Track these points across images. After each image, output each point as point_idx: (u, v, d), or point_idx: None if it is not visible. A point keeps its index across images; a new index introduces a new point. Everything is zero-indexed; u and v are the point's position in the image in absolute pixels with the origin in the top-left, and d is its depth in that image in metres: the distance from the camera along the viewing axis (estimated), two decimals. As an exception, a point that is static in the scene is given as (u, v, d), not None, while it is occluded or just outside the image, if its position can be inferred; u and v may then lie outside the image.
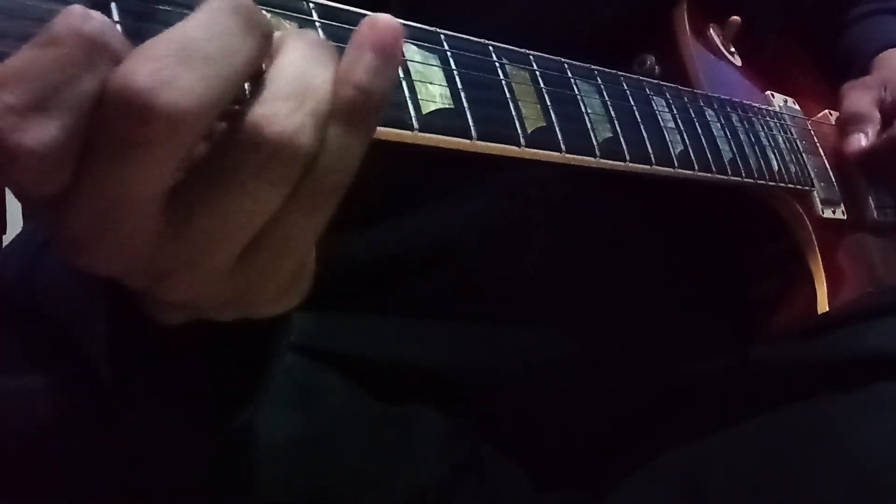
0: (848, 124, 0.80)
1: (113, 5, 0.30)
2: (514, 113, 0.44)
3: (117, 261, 0.32)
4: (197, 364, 0.41)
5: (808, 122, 0.78)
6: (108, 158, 0.29)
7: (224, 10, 0.30)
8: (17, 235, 0.57)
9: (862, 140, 0.78)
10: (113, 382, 0.41)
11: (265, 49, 0.32)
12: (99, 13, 0.28)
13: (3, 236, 1.21)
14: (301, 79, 0.32)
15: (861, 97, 0.81)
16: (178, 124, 0.28)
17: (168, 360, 0.41)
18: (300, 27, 0.36)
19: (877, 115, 0.79)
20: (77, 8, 0.28)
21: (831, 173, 0.77)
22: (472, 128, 0.41)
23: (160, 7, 0.31)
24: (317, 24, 0.36)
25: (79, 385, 0.46)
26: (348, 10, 0.38)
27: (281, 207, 0.32)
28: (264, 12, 0.34)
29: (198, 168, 0.31)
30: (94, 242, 0.31)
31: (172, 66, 0.28)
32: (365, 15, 0.39)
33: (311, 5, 0.36)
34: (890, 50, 0.87)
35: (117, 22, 0.30)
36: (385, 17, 0.34)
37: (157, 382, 0.42)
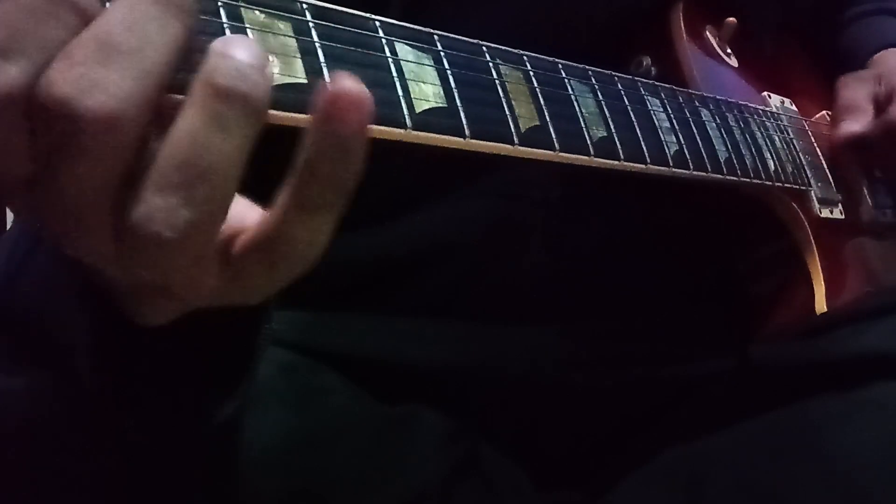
0: (841, 114, 0.80)
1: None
2: (507, 112, 0.44)
3: (92, 252, 0.32)
4: (177, 359, 0.41)
5: (806, 123, 0.78)
6: (54, 156, 0.29)
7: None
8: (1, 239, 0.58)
9: (852, 126, 0.78)
10: (93, 379, 0.41)
11: (188, 30, 0.30)
12: None
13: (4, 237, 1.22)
14: (194, 162, 0.30)
15: (855, 90, 0.81)
16: (107, 126, 0.28)
17: (149, 356, 0.41)
18: (294, 28, 0.36)
19: (870, 106, 0.79)
20: None
21: (829, 173, 0.77)
22: (465, 126, 0.41)
23: None
24: (310, 24, 0.37)
25: (61, 386, 0.46)
26: (342, 11, 0.39)
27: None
28: (256, 12, 0.35)
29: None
30: (63, 230, 0.31)
31: (94, 69, 0.28)
32: (362, 17, 0.39)
33: (304, 6, 0.37)
34: (886, 50, 0.87)
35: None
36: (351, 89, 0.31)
37: (137, 378, 0.42)
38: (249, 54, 0.30)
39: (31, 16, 0.27)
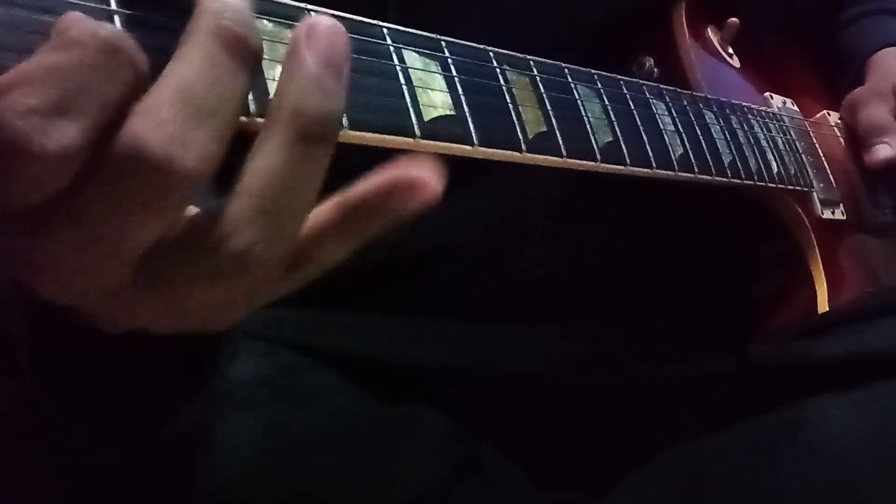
0: (869, 136, 0.80)
1: (116, 18, 0.30)
2: (515, 118, 0.44)
3: (79, 295, 0.31)
4: (132, 364, 0.40)
5: (807, 123, 0.78)
6: (112, 204, 0.28)
7: (214, 49, 0.29)
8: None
9: (887, 150, 0.78)
10: (35, 382, 0.41)
11: (257, 70, 0.31)
12: (109, 24, 0.28)
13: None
14: (284, 189, 0.31)
15: (878, 108, 0.81)
16: (191, 187, 0.28)
17: (103, 361, 0.40)
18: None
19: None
20: (78, 13, 0.27)
21: (830, 174, 0.77)
22: (473, 134, 0.41)
23: (162, 15, 0.31)
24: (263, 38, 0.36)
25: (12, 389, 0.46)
26: (348, 18, 0.38)
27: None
28: (264, 21, 0.34)
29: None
30: (63, 273, 0.30)
31: (185, 129, 0.28)
32: (361, 21, 0.39)
33: (311, 13, 0.36)
34: (885, 50, 0.87)
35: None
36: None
37: (80, 382, 0.41)
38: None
39: (91, 72, 0.27)
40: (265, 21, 0.35)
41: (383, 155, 0.35)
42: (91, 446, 0.46)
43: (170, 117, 0.28)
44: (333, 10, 0.38)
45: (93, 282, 0.30)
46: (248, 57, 0.30)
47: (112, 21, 0.30)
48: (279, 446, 0.56)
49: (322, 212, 0.33)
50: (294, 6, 0.36)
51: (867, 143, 0.80)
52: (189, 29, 0.29)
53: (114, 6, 0.30)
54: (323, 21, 0.31)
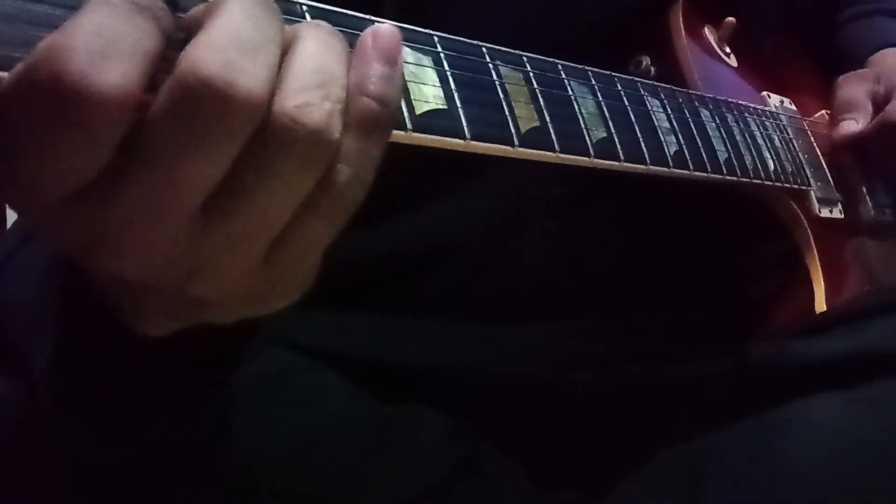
0: (840, 112, 0.81)
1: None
2: (507, 113, 0.44)
3: (148, 260, 0.32)
4: (157, 360, 0.41)
5: (805, 122, 0.79)
6: (170, 147, 0.29)
7: (253, 2, 0.31)
8: None
9: (853, 125, 0.79)
10: (47, 381, 0.41)
11: (287, 36, 0.33)
12: None
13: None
14: (323, 70, 0.32)
15: (854, 88, 0.81)
16: (253, 109, 0.30)
17: (131, 359, 0.41)
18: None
19: (869, 104, 0.80)
20: None
21: (828, 173, 0.77)
22: (465, 128, 0.41)
23: None
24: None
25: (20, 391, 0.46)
26: (341, 13, 0.39)
27: (306, 204, 0.33)
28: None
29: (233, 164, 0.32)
30: (127, 241, 0.31)
31: (238, 57, 0.29)
32: (358, 17, 0.39)
33: (304, 8, 0.37)
34: (884, 50, 0.87)
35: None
36: (386, 27, 0.35)
37: (104, 381, 0.42)
38: None
39: (127, 21, 0.28)
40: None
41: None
42: (96, 448, 0.46)
43: (224, 47, 0.29)
44: (328, 6, 0.38)
45: (162, 235, 0.31)
46: (275, 9, 0.32)
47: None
48: (279, 446, 0.56)
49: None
50: (286, 0, 0.37)
51: (836, 119, 0.81)
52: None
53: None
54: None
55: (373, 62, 0.34)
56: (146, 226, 0.31)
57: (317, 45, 0.33)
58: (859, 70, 0.85)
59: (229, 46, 0.29)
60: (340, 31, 0.37)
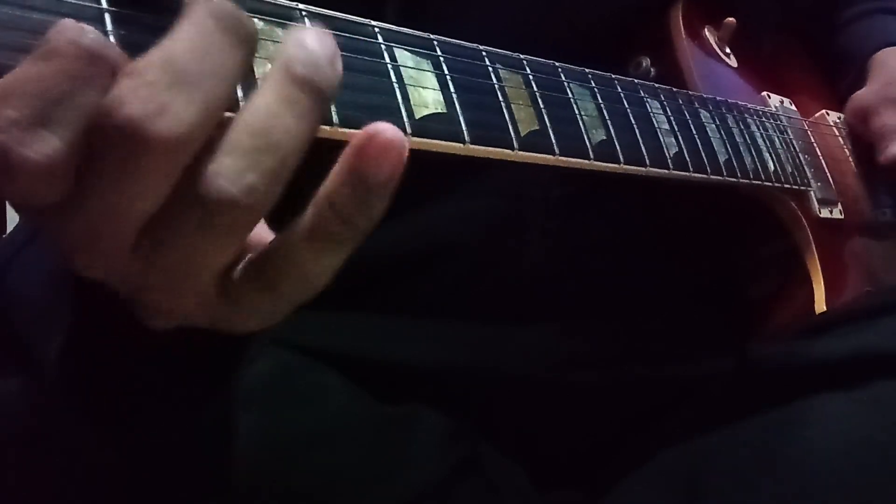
0: (884, 139, 0.81)
1: (106, 16, 0.30)
2: (507, 117, 0.44)
3: (103, 271, 0.32)
4: (161, 359, 0.41)
5: (805, 123, 0.78)
6: (103, 178, 0.29)
7: (208, 25, 0.29)
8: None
9: None
10: (57, 379, 0.41)
11: (251, 57, 0.31)
12: (93, 29, 0.28)
13: (3, 237, 1.21)
14: (267, 136, 0.30)
15: (892, 115, 0.81)
16: (170, 151, 0.28)
17: (133, 357, 0.41)
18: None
19: None
20: (70, 22, 0.28)
21: (828, 173, 0.77)
22: (465, 132, 0.41)
23: (151, 15, 0.31)
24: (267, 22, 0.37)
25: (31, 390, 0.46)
26: (340, 17, 0.39)
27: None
28: (255, 20, 0.35)
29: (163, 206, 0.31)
30: (81, 251, 0.31)
31: (163, 92, 0.28)
32: (359, 22, 0.39)
33: (303, 13, 0.37)
34: (886, 49, 0.87)
35: (110, 32, 0.30)
36: (393, 132, 0.32)
37: (111, 378, 0.42)
38: (323, 47, 0.31)
39: (71, 81, 0.27)
40: (256, 20, 0.35)
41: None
42: (98, 446, 0.46)
43: (151, 80, 0.28)
44: (330, 10, 0.38)
45: (108, 251, 0.31)
46: (242, 37, 0.30)
47: (102, 20, 0.30)
48: (279, 446, 0.56)
49: (295, 220, 0.33)
50: (286, 6, 0.37)
51: (882, 146, 0.81)
52: (188, 7, 0.30)
53: (104, 5, 0.30)
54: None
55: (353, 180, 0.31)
56: (94, 242, 0.31)
57: (269, 95, 0.31)
58: (881, 91, 0.84)
59: (160, 76, 0.28)
60: (344, 36, 0.37)
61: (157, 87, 0.28)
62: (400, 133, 0.31)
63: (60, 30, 0.27)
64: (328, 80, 0.31)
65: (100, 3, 0.30)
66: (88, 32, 0.28)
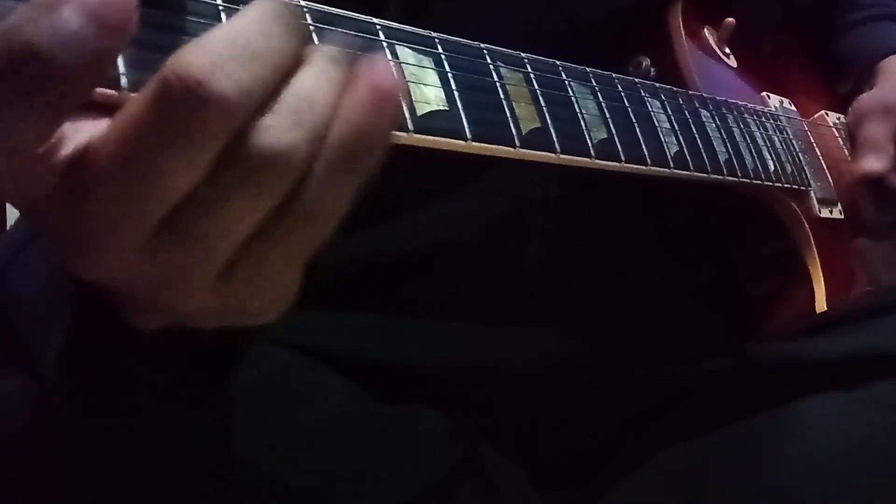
0: (863, 150, 0.81)
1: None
2: (508, 114, 0.44)
3: (117, 267, 0.32)
4: (159, 357, 0.41)
5: (805, 123, 0.79)
6: (159, 140, 0.29)
7: (271, 14, 0.31)
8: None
9: (874, 164, 0.80)
10: (57, 379, 0.41)
11: (299, 56, 0.33)
12: None
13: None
14: (308, 97, 0.32)
15: (880, 127, 0.82)
16: (227, 114, 0.29)
17: (131, 356, 0.41)
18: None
19: (892, 147, 0.81)
20: None
21: (828, 173, 0.77)
22: (466, 129, 0.41)
23: (159, 34, 0.32)
24: (311, 27, 0.37)
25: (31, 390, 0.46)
26: (342, 14, 0.39)
27: (267, 225, 0.33)
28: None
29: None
30: (95, 244, 0.31)
31: (226, 59, 0.29)
32: (362, 20, 0.39)
33: (305, 9, 0.37)
34: (893, 57, 0.87)
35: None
36: (385, 64, 0.34)
37: (110, 378, 0.42)
38: None
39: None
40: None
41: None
42: (98, 447, 0.46)
43: (213, 48, 0.29)
44: (331, 7, 0.38)
45: (127, 241, 0.31)
46: (295, 29, 0.32)
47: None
48: (279, 446, 0.56)
49: None
50: (287, 2, 0.37)
51: (858, 156, 0.81)
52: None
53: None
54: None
55: (361, 91, 0.33)
56: (113, 231, 0.31)
57: (312, 71, 0.33)
58: (883, 97, 0.85)
59: (224, 48, 0.29)
60: (346, 33, 0.37)
61: (221, 53, 0.29)
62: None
63: None
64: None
65: None
66: None
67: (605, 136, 0.50)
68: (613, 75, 0.54)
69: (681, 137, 0.57)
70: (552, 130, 0.46)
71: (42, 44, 0.27)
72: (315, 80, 0.32)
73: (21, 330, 0.48)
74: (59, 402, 0.43)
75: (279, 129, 0.31)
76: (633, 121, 0.53)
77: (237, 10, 0.33)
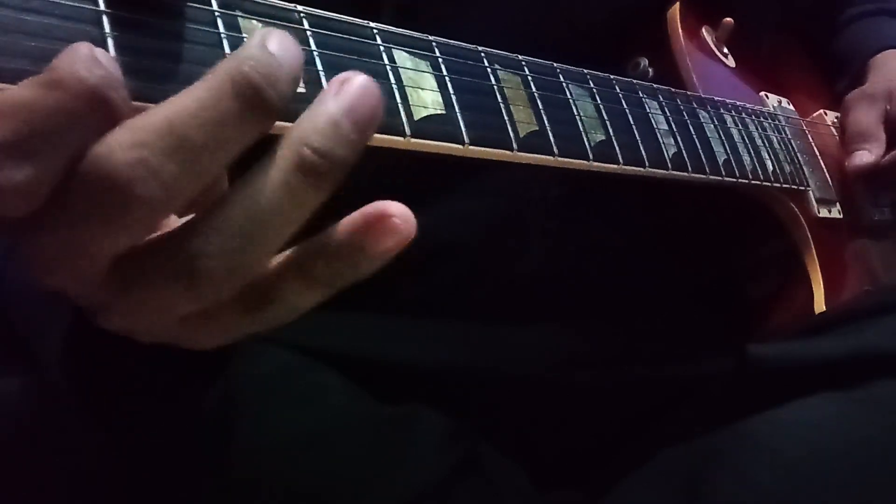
0: (853, 141, 0.81)
1: (104, 18, 0.30)
2: (506, 117, 0.44)
3: (68, 288, 0.31)
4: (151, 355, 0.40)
5: (803, 123, 0.79)
6: (75, 215, 0.28)
7: (226, 92, 0.28)
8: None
9: (865, 156, 0.79)
10: (64, 383, 0.41)
11: (267, 130, 0.29)
12: (108, 57, 0.27)
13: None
14: (253, 221, 0.30)
15: (866, 114, 0.81)
16: (152, 212, 0.28)
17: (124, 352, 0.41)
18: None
19: (882, 133, 0.80)
20: (84, 48, 0.26)
21: (827, 173, 0.77)
22: (464, 133, 0.41)
23: (156, 41, 0.31)
24: (308, 32, 0.37)
25: (32, 389, 0.46)
26: (339, 19, 0.39)
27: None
28: (253, 21, 0.35)
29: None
30: (49, 268, 0.30)
31: (157, 156, 0.27)
32: (357, 24, 0.39)
33: (301, 15, 0.37)
34: (887, 52, 0.87)
35: (108, 34, 0.30)
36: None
37: (109, 373, 0.42)
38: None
39: (65, 118, 0.27)
40: (254, 21, 0.35)
41: (375, 150, 0.35)
42: (99, 446, 0.47)
43: (147, 141, 0.27)
44: (326, 11, 0.38)
45: (76, 277, 0.30)
46: (259, 111, 0.28)
47: (101, 24, 0.30)
48: (279, 446, 0.56)
49: (289, 252, 0.33)
50: (284, 7, 0.37)
51: (849, 148, 0.81)
52: (216, 66, 0.29)
53: (102, 6, 0.30)
54: (358, 78, 0.31)
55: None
56: (60, 262, 0.30)
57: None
58: (870, 87, 0.84)
59: (154, 142, 0.27)
60: (342, 38, 0.37)
61: (153, 148, 0.27)
62: (410, 218, 0.32)
63: (70, 59, 0.26)
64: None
65: (97, 5, 0.30)
66: (100, 65, 0.26)
67: (603, 137, 0.50)
68: (611, 77, 0.54)
69: (679, 139, 0.57)
70: (550, 133, 0.46)
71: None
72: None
73: (21, 329, 0.48)
74: (59, 401, 0.43)
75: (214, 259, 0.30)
76: (631, 122, 0.53)
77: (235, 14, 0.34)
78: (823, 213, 0.74)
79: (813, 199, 0.72)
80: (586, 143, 0.49)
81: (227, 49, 0.33)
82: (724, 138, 0.62)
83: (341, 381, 0.61)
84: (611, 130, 0.51)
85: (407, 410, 0.62)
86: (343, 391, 0.61)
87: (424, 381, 0.63)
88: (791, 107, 0.79)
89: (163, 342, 0.35)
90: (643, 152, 0.53)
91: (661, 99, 0.58)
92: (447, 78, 0.42)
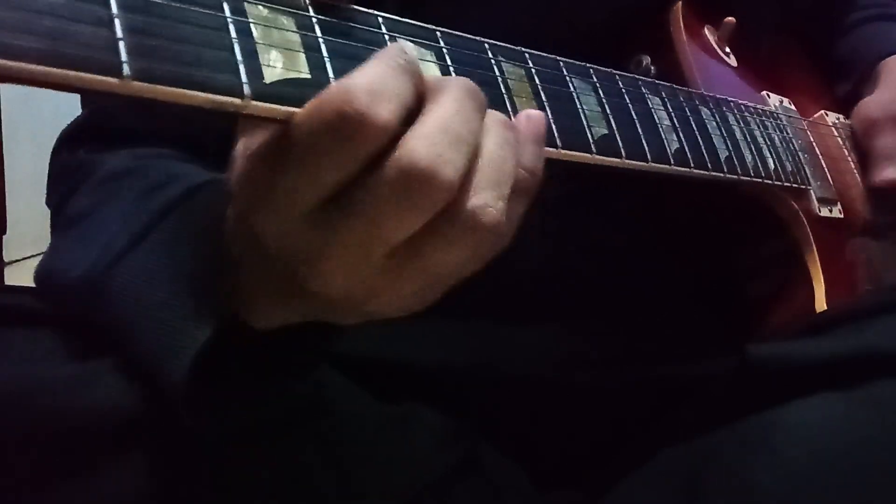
0: (881, 159, 0.81)
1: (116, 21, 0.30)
2: (510, 109, 0.45)
3: (337, 279, 0.38)
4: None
5: (804, 122, 0.79)
6: (375, 206, 0.36)
7: (466, 95, 0.38)
8: (70, 235, 0.56)
9: (893, 174, 0.80)
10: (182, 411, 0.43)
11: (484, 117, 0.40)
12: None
13: (4, 237, 1.20)
14: (501, 168, 0.39)
15: (893, 138, 0.82)
16: (449, 195, 0.36)
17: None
18: (297, 23, 0.37)
19: None
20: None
21: (827, 173, 0.77)
22: (467, 124, 0.41)
23: (163, 22, 0.32)
24: (313, 19, 0.37)
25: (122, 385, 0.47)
26: (344, 7, 0.39)
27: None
28: (260, 7, 0.35)
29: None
30: (332, 262, 0.38)
31: (446, 148, 0.36)
32: (366, 12, 0.40)
33: (307, 1, 0.37)
34: (893, 57, 0.87)
35: (120, 39, 0.30)
36: (537, 113, 0.43)
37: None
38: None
39: (398, 72, 0.36)
40: (260, 7, 0.35)
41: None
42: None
43: (437, 141, 0.36)
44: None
45: (352, 267, 0.38)
46: (483, 106, 0.39)
47: (108, 5, 0.30)
48: (278, 445, 0.56)
49: None
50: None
51: (877, 166, 0.81)
52: (440, 85, 0.38)
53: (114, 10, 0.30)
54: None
55: (528, 143, 0.42)
56: (344, 252, 0.37)
57: (497, 141, 0.39)
58: (890, 105, 0.84)
59: (440, 139, 0.36)
60: (348, 25, 0.38)
61: (441, 144, 0.36)
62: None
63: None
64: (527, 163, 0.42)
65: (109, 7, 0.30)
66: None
67: (606, 132, 0.50)
68: (615, 72, 0.54)
69: (681, 134, 0.57)
70: (553, 126, 0.46)
71: None
72: (501, 152, 0.39)
73: (127, 342, 0.47)
74: (181, 420, 0.44)
75: (491, 206, 0.38)
76: (634, 117, 0.53)
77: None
78: (824, 212, 0.74)
79: (814, 198, 0.72)
80: (589, 137, 0.49)
81: (233, 34, 0.33)
82: (726, 135, 0.62)
83: (341, 382, 0.61)
84: (614, 125, 0.51)
85: (406, 410, 0.62)
86: (343, 391, 0.61)
87: (424, 380, 0.63)
88: (792, 107, 0.79)
89: (355, 302, 0.40)
90: (646, 147, 0.53)
91: (664, 95, 0.58)
92: (451, 68, 0.42)
